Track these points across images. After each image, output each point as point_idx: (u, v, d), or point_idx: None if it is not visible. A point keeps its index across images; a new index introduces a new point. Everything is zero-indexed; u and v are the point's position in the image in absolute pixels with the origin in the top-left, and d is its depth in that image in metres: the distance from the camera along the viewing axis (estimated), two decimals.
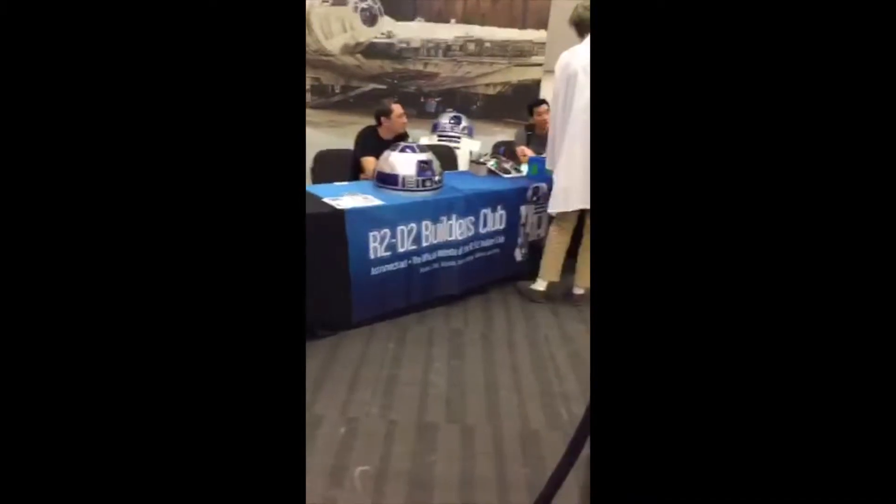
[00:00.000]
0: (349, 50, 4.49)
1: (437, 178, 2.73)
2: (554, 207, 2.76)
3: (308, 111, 4.36)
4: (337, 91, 4.64)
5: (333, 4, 4.36)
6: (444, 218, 2.67)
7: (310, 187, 2.72)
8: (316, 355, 2.29)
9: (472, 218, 2.79)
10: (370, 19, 4.42)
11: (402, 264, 2.58)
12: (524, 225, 3.06)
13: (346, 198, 2.50)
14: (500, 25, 4.53)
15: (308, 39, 4.45)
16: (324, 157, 3.30)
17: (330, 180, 2.91)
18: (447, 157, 3.49)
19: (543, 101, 3.62)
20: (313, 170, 3.27)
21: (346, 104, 4.63)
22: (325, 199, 2.46)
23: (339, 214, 2.35)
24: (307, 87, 4.48)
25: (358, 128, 3.29)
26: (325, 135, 4.31)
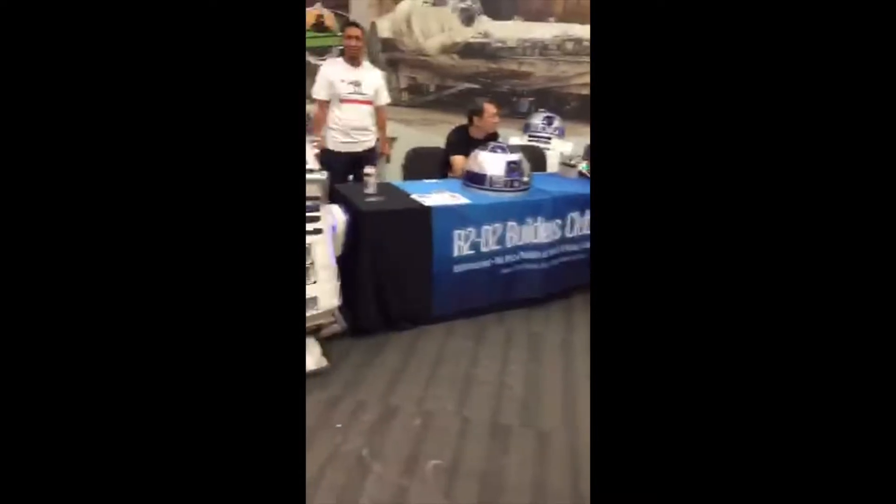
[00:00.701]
0: (446, 49, 4.56)
1: (525, 178, 2.70)
2: None
3: (403, 109, 4.48)
4: (432, 90, 4.72)
5: (434, 5, 4.44)
6: (529, 220, 2.64)
7: (399, 183, 2.80)
8: (396, 347, 2.36)
9: (558, 221, 2.73)
10: (468, 19, 4.45)
11: (485, 264, 2.58)
12: None
13: (434, 195, 2.54)
14: None
15: (408, 40, 4.58)
16: (415, 155, 3.37)
17: (420, 177, 2.97)
18: (537, 158, 3.44)
19: None
20: (405, 166, 3.35)
21: (440, 103, 4.70)
22: (413, 196, 2.52)
23: (426, 211, 2.40)
24: (404, 85, 4.61)
25: (450, 126, 3.33)
26: (418, 132, 4.41)
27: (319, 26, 4.71)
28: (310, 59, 4.87)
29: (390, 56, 4.59)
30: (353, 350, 2.29)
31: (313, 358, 2.08)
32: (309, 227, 1.96)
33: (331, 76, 2.91)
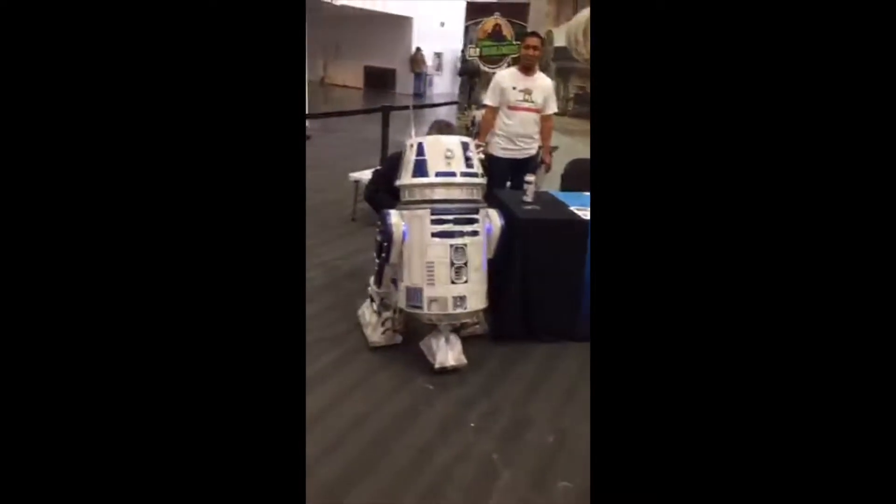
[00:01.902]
0: None
1: None
2: None
3: (568, 119, 4.40)
4: None
5: None
6: None
7: (558, 193, 2.75)
8: (535, 359, 2.32)
9: None
10: None
11: None
12: None
13: None
14: None
15: (582, 49, 4.48)
16: (576, 166, 3.29)
17: (579, 189, 2.89)
18: None
19: None
20: (563, 177, 3.29)
21: None
22: (572, 208, 2.46)
23: (584, 224, 2.32)
24: (572, 95, 4.53)
25: None
26: (580, 143, 4.29)
27: (497, 35, 4.84)
28: (484, 67, 5.04)
29: (561, 65, 4.54)
30: (491, 354, 2.31)
31: (454, 354, 2.14)
32: (467, 228, 2.02)
33: (503, 83, 2.97)
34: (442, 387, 2.07)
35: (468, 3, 5.15)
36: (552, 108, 3.10)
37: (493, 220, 2.17)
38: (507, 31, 4.81)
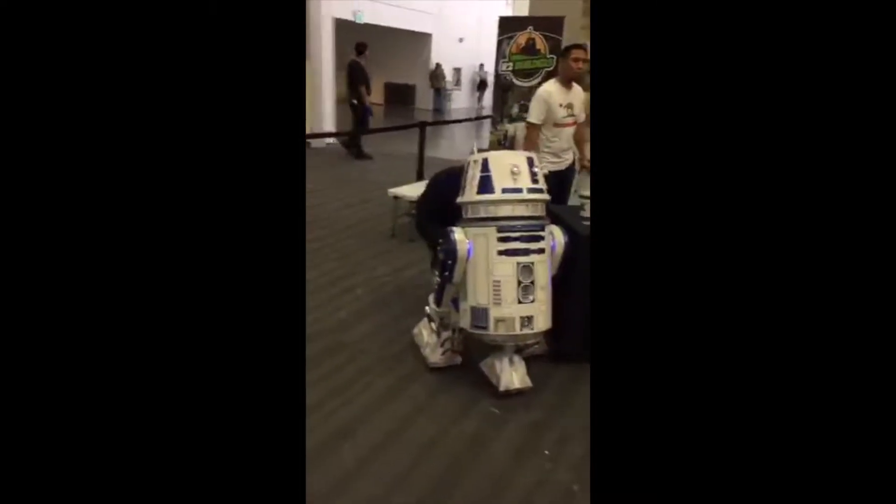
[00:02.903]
0: None
1: None
2: None
3: None
4: None
5: None
6: None
7: None
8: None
9: None
10: None
11: None
12: None
13: None
14: None
15: None
16: None
17: None
18: None
19: None
20: None
21: None
22: None
23: None
24: None
25: None
26: None
27: (530, 49, 4.82)
28: (516, 81, 5.02)
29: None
30: (554, 375, 2.23)
31: (518, 376, 2.07)
32: (534, 246, 1.96)
33: (551, 101, 2.90)
34: (508, 410, 2.00)
35: (501, 19, 5.14)
36: (583, 116, 3.06)
37: (556, 236, 2.11)
38: (541, 44, 4.78)
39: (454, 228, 2.00)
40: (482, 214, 1.97)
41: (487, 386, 2.09)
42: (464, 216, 2.04)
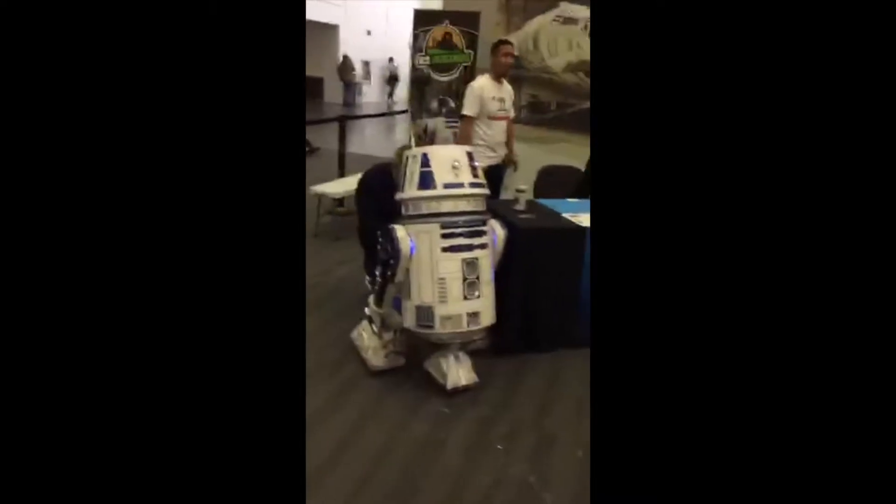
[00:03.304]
0: (572, 68, 4.48)
1: None
2: None
3: (521, 127, 4.45)
4: (553, 108, 4.65)
5: (564, 23, 4.40)
6: None
7: (547, 201, 2.73)
8: (540, 370, 2.28)
9: None
10: None
11: None
12: None
13: (583, 215, 2.46)
14: None
15: (532, 58, 4.56)
16: (546, 173, 3.32)
17: (552, 196, 2.89)
18: None
19: None
20: (536, 184, 3.30)
21: (561, 121, 4.62)
22: (566, 215, 2.45)
23: (581, 232, 2.32)
24: (524, 103, 4.58)
25: (570, 146, 3.25)
26: (534, 150, 4.34)
27: (447, 43, 4.80)
28: (434, 75, 4.99)
29: (514, 74, 4.59)
30: (496, 369, 2.24)
31: (465, 372, 2.05)
32: (475, 241, 1.94)
33: (484, 94, 2.94)
34: (457, 408, 1.97)
35: (416, 11, 5.08)
36: (513, 112, 3.14)
37: (496, 230, 2.11)
38: (458, 39, 4.78)
39: (395, 226, 1.93)
40: (424, 211, 1.91)
41: (433, 385, 2.05)
42: (403, 213, 1.98)
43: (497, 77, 3.00)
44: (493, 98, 2.96)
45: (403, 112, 7.45)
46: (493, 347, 2.34)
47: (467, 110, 2.94)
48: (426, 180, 1.90)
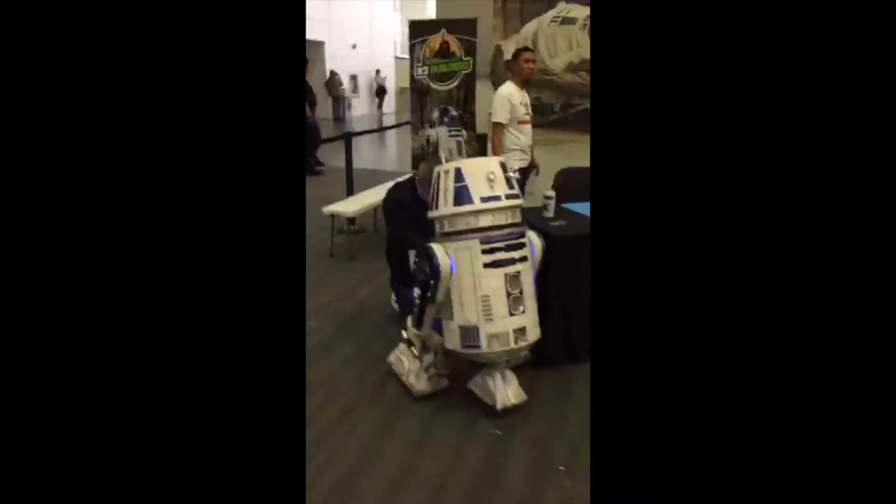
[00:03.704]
0: (573, 68, 4.45)
1: None
2: None
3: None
4: (556, 109, 4.61)
5: (562, 24, 4.36)
6: None
7: (571, 205, 2.66)
8: (583, 382, 2.21)
9: None
10: None
11: None
12: None
13: None
14: None
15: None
16: (565, 175, 3.27)
17: (569, 199, 2.82)
18: None
19: None
20: (555, 187, 3.24)
21: (565, 122, 4.58)
22: None
23: None
24: None
25: (577, 146, 3.23)
26: (540, 151, 4.29)
27: (445, 52, 4.76)
28: (433, 85, 4.94)
29: None
30: (540, 383, 2.17)
31: (513, 391, 1.98)
32: (516, 254, 1.87)
33: (513, 100, 2.95)
34: (508, 429, 1.90)
35: (411, 23, 5.04)
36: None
37: (534, 241, 2.04)
38: (456, 47, 4.74)
39: (432, 245, 1.86)
40: (461, 227, 1.85)
41: (480, 406, 1.97)
42: (439, 231, 1.91)
43: (521, 83, 3.01)
44: (521, 103, 2.99)
45: (405, 124, 7.40)
46: (535, 360, 2.27)
47: (499, 117, 2.94)
48: (462, 196, 1.83)
